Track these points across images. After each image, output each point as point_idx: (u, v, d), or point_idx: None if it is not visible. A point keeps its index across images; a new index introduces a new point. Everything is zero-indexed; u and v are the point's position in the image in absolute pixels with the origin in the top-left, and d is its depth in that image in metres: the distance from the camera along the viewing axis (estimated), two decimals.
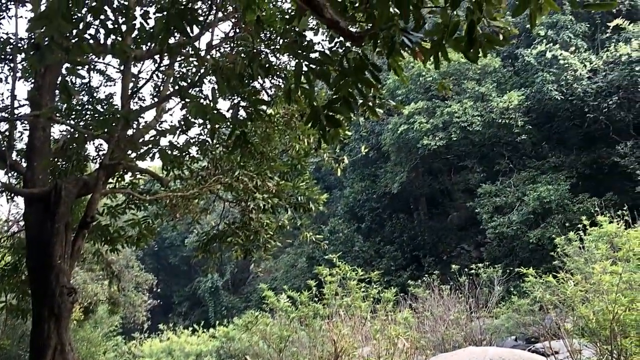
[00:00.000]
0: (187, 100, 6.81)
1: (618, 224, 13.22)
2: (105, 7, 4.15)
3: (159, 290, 26.09)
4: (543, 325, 10.98)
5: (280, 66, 8.59)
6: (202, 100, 6.78)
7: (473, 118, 26.42)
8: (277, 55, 8.49)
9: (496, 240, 25.86)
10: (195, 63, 8.53)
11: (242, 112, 6.07)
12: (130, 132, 8.59)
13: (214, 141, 8.91)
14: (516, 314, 14.76)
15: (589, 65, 24.40)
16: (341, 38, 4.62)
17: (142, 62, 9.72)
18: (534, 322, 14.02)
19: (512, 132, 26.63)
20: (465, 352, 9.69)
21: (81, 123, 8.92)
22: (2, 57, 9.25)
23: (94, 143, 9.53)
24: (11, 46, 9.05)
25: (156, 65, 9.15)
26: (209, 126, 7.66)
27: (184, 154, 8.63)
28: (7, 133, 8.71)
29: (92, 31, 4.15)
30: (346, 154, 9.80)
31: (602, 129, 24.62)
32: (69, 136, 8.92)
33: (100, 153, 9.57)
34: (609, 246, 12.20)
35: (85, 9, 3.88)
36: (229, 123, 7.03)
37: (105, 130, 7.70)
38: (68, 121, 8.79)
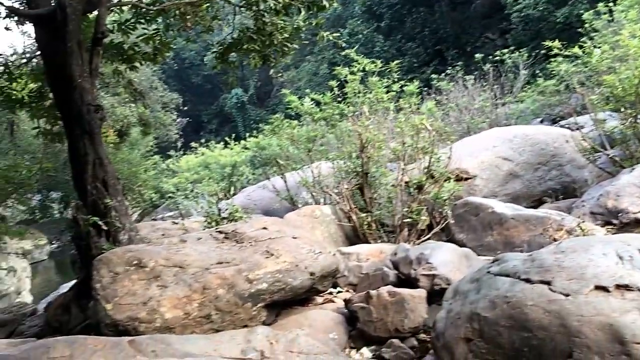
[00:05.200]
0: None
1: None
2: None
3: (186, 108, 26.49)
4: (568, 104, 10.90)
5: None
6: None
7: None
8: None
9: (521, 24, 24.88)
10: None
11: None
12: None
13: None
14: (541, 96, 14.68)
15: None
16: None
17: None
18: (560, 102, 13.97)
19: None
20: (491, 132, 9.80)
21: None
22: None
23: None
24: None
25: None
26: None
27: None
28: None
29: None
30: None
31: None
32: None
33: None
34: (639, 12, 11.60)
35: None
36: None
37: None
38: None
